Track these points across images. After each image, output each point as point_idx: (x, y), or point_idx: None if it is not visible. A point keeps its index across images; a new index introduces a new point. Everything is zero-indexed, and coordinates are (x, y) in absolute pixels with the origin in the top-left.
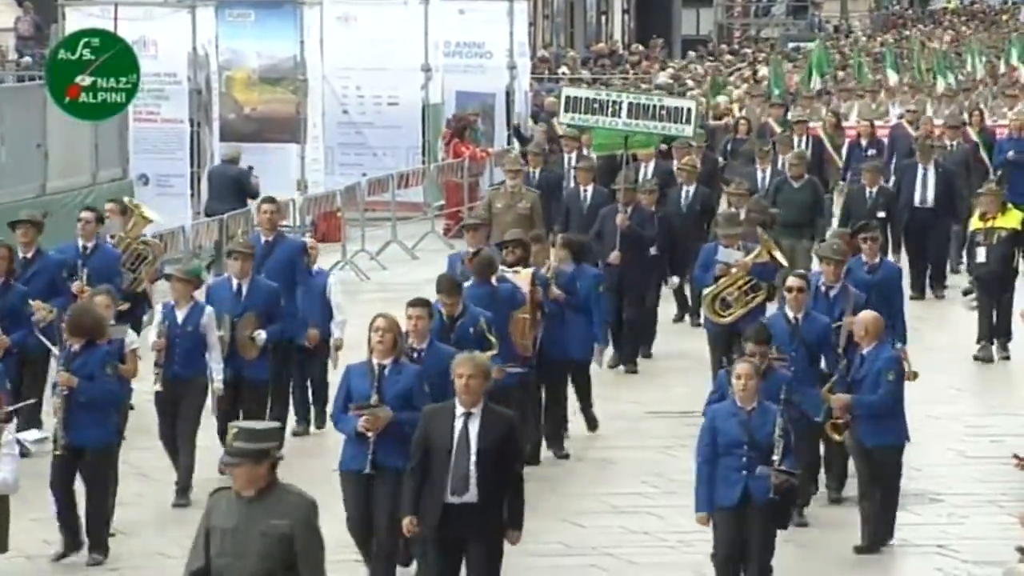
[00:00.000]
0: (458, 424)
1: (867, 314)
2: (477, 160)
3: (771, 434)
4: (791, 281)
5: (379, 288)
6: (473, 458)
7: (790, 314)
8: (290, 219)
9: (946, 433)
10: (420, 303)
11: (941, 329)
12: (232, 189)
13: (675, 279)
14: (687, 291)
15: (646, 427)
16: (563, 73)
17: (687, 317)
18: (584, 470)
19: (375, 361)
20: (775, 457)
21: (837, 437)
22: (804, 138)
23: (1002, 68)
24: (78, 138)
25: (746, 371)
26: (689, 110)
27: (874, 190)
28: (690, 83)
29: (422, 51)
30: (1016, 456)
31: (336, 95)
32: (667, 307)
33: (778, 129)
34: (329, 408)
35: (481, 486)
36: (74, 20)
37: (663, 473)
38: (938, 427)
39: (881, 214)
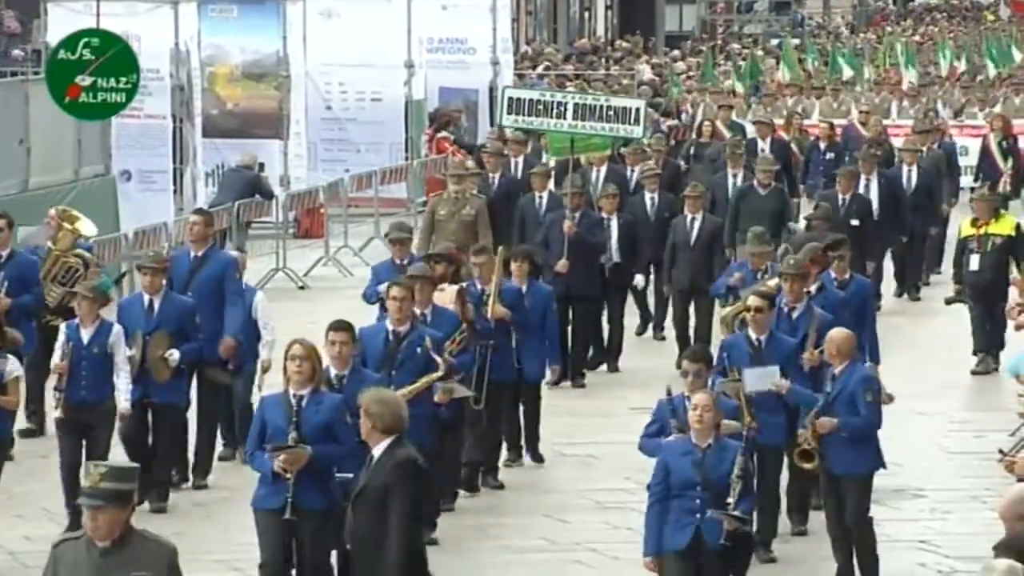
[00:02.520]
0: (365, 468)
1: (838, 332)
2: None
3: (728, 474)
4: (752, 300)
5: (361, 284)
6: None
7: (752, 336)
8: (273, 215)
9: (929, 428)
10: (343, 327)
11: (923, 325)
12: (243, 190)
13: (639, 278)
14: (650, 300)
15: (629, 423)
16: (545, 69)
17: (650, 329)
18: (567, 466)
19: (292, 392)
20: (730, 500)
21: (807, 466)
22: (768, 141)
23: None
24: (60, 134)
25: (703, 402)
26: (638, 110)
27: (847, 197)
28: (679, 76)
29: (405, 47)
30: (1001, 451)
31: (319, 91)
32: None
33: (725, 131)
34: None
35: (354, 534)
36: (56, 16)
37: (646, 469)
38: (921, 422)
39: (854, 222)
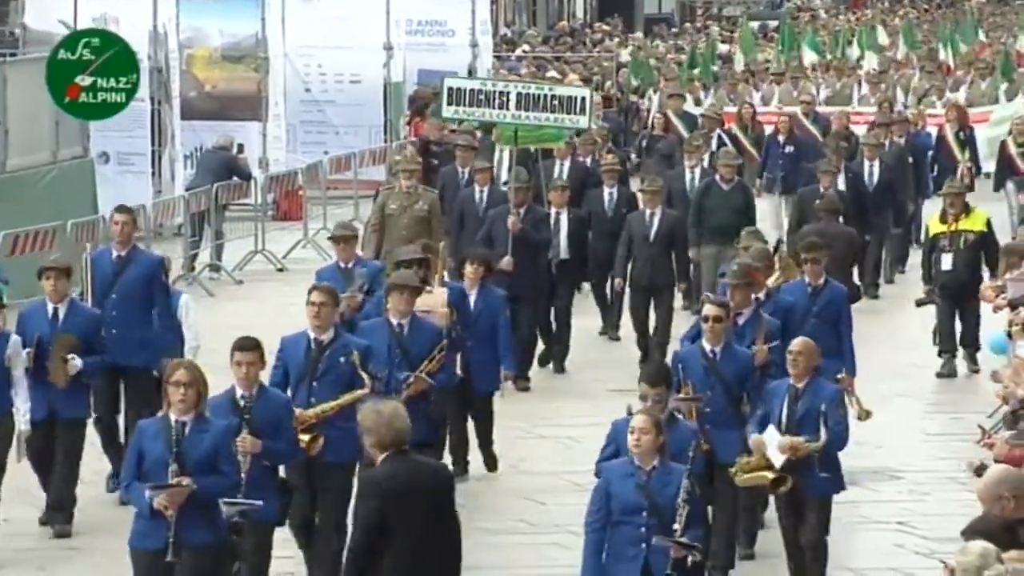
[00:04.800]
0: None
1: (800, 341)
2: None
3: (675, 498)
4: (707, 309)
5: None
6: None
7: (707, 347)
8: (252, 197)
9: (906, 410)
10: (251, 346)
11: (900, 308)
12: (218, 171)
13: (586, 286)
14: (608, 298)
15: (608, 404)
16: (524, 51)
17: (610, 330)
18: (545, 448)
19: (173, 418)
20: (676, 526)
21: (783, 489)
22: (715, 134)
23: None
24: (38, 116)
25: (641, 425)
26: (583, 99)
27: (829, 192)
28: (652, 62)
29: (384, 29)
30: (981, 428)
31: (298, 73)
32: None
33: (676, 122)
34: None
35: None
36: None
37: None
38: (898, 404)
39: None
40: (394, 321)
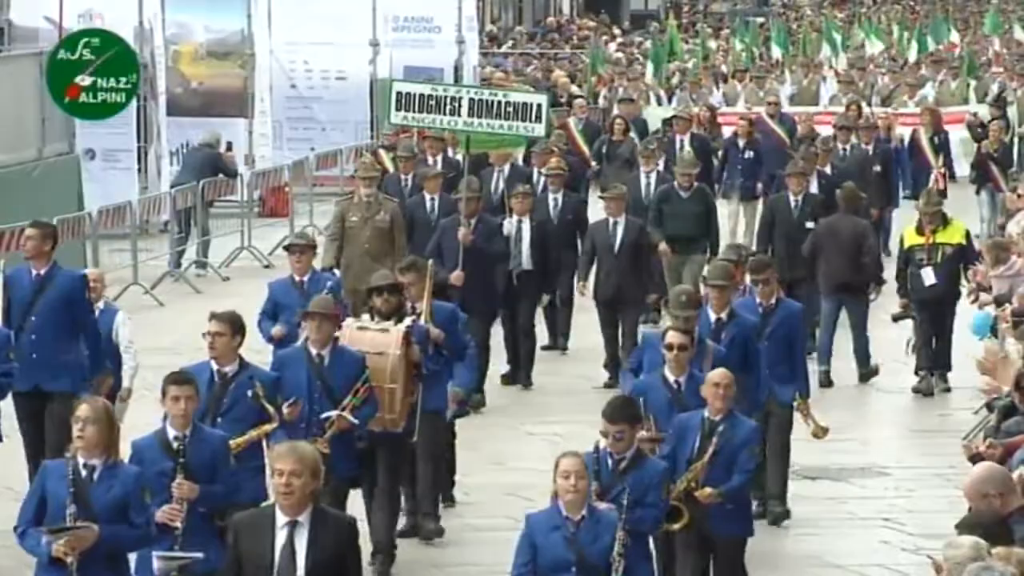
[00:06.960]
0: (280, 537)
1: (717, 373)
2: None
3: (609, 550)
4: (671, 337)
5: None
6: None
7: (670, 377)
8: (238, 194)
9: (892, 406)
10: (185, 380)
11: (883, 304)
12: (204, 168)
13: (546, 298)
14: (558, 310)
15: (594, 402)
16: (510, 48)
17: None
18: (533, 445)
19: (82, 460)
20: None
21: (675, 526)
22: (687, 136)
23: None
24: (24, 112)
25: (576, 468)
26: (539, 106)
27: (799, 197)
28: (641, 59)
29: (370, 25)
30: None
31: (284, 69)
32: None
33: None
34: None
35: None
36: None
37: None
38: (884, 400)
39: (809, 224)
40: (313, 351)
